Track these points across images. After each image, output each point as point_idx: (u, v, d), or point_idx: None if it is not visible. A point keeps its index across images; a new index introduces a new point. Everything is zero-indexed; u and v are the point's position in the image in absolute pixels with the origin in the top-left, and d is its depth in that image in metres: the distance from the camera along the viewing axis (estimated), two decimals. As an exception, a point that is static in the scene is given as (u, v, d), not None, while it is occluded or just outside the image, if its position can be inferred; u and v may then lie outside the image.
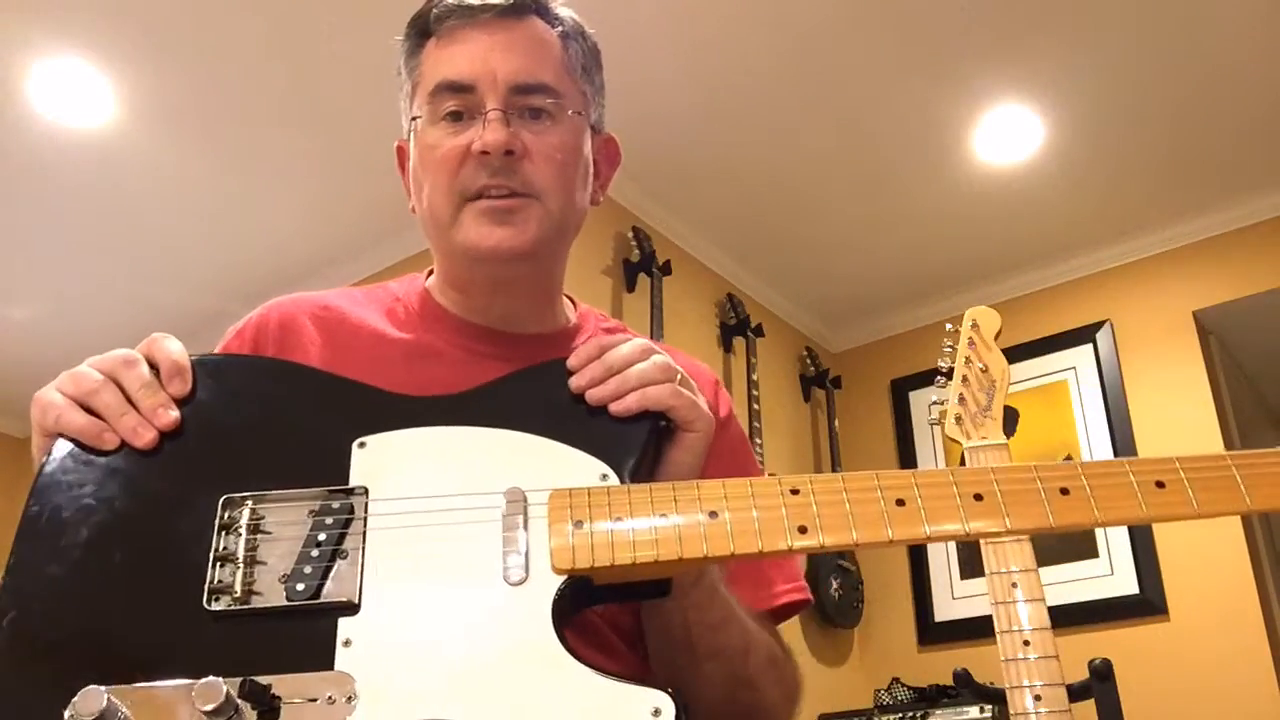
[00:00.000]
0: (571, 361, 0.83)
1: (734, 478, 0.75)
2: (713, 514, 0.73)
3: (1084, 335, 3.65)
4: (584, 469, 0.76)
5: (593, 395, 0.81)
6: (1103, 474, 0.73)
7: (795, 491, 0.73)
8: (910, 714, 3.10)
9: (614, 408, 0.80)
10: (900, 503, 0.72)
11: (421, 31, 1.00)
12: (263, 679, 0.66)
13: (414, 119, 0.99)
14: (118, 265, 3.48)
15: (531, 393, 0.83)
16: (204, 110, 2.86)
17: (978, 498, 0.72)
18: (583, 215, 1.02)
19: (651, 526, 0.72)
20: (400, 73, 1.02)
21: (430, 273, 1.08)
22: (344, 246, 3.44)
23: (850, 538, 0.71)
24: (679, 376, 0.83)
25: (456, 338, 1.01)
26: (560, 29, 1.00)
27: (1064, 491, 0.72)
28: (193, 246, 3.45)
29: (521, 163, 0.94)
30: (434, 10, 0.98)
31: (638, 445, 0.79)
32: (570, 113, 0.98)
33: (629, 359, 0.82)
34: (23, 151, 2.92)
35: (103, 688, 0.65)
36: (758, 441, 3.35)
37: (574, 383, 0.81)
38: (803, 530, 0.72)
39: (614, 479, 0.76)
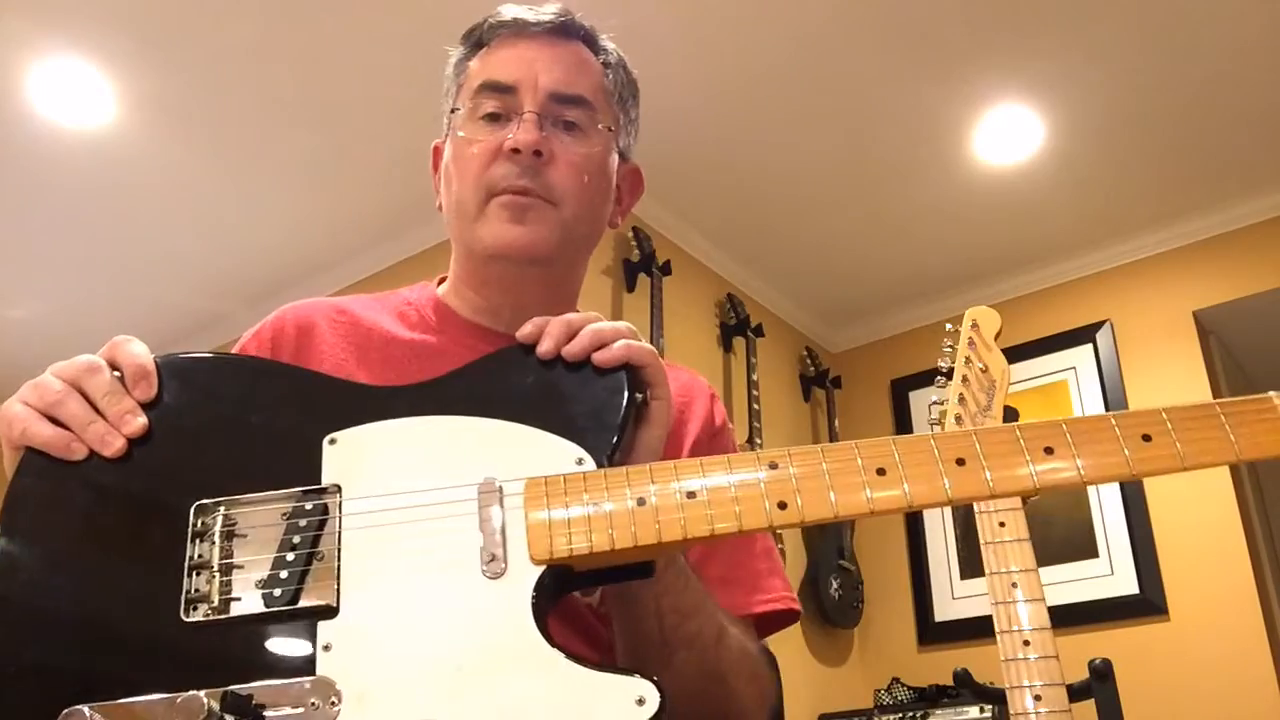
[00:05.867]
0: (525, 331, 0.82)
1: (711, 456, 0.74)
2: (690, 495, 0.71)
3: (1084, 335, 3.65)
4: (559, 454, 0.75)
5: (570, 350, 0.79)
6: (1088, 430, 0.71)
7: (774, 466, 0.72)
8: (910, 714, 3.10)
9: (599, 357, 0.79)
10: (881, 471, 0.71)
11: (475, 43, 1.06)
12: (244, 689, 0.65)
13: (453, 111, 1.03)
14: (117, 265, 3.48)
15: (502, 377, 0.81)
16: (204, 111, 2.86)
17: (960, 462, 0.70)
18: (600, 231, 1.07)
19: (629, 511, 0.71)
20: (448, 79, 1.08)
21: (442, 280, 1.11)
22: (343, 247, 3.44)
23: (831, 511, 0.70)
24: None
25: (466, 339, 1.02)
26: (604, 57, 1.06)
27: (1048, 450, 0.70)
28: (192, 247, 3.45)
29: (548, 167, 0.98)
30: (489, 22, 1.05)
31: (614, 426, 0.77)
32: (601, 128, 1.02)
33: (590, 318, 0.82)
34: (23, 152, 2.92)
35: (86, 707, 0.65)
36: (758, 441, 3.35)
37: (541, 348, 0.80)
38: (782, 506, 0.70)
39: (590, 463, 0.74)
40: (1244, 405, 0.71)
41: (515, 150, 0.96)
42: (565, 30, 1.04)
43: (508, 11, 1.04)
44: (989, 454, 0.71)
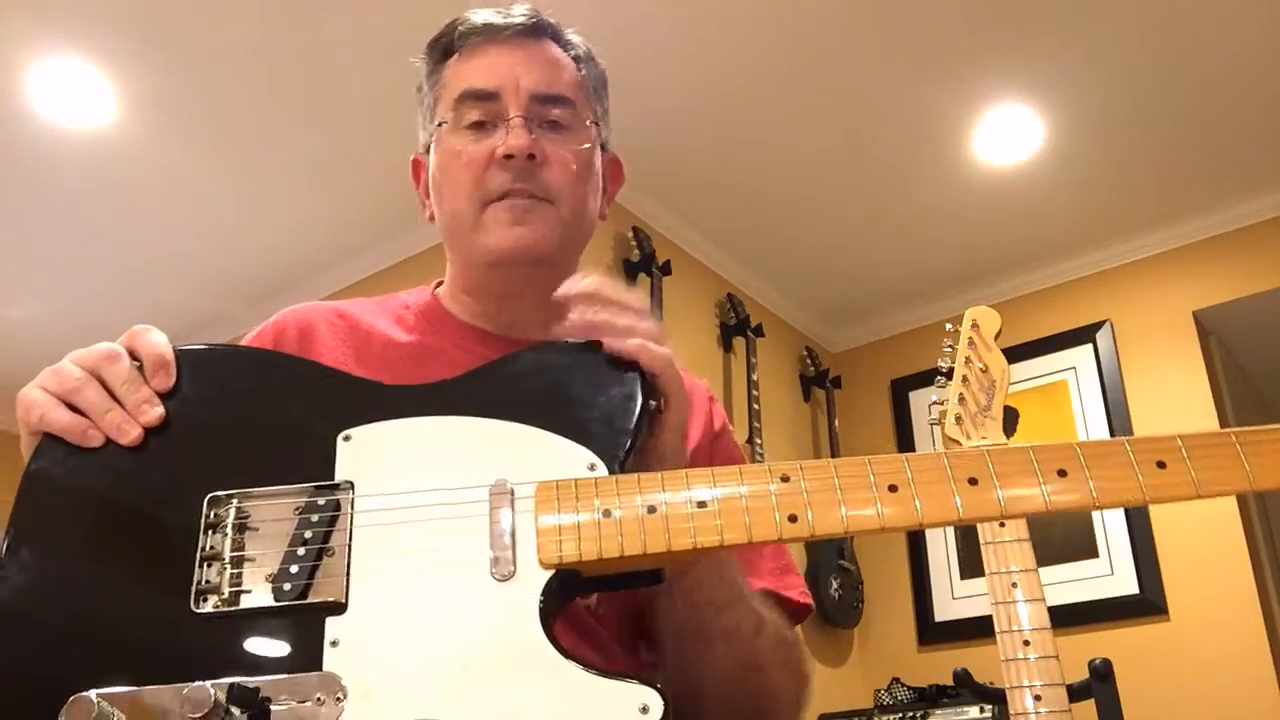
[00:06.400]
0: (569, 287, 0.84)
1: (723, 466, 0.74)
2: (701, 504, 0.71)
3: (1084, 335, 3.65)
4: (571, 458, 0.75)
5: (597, 314, 0.81)
6: (1101, 455, 0.70)
7: (785, 479, 0.72)
8: (910, 714, 3.10)
9: (610, 344, 0.80)
10: (893, 488, 0.71)
11: (444, 51, 1.06)
12: (251, 681, 0.66)
13: (439, 125, 1.03)
14: (117, 265, 3.48)
15: (517, 380, 0.81)
16: (204, 111, 2.86)
17: (973, 481, 0.70)
18: (592, 226, 1.07)
19: (639, 518, 0.71)
20: (421, 89, 1.08)
21: (439, 283, 1.11)
22: (344, 247, 3.44)
23: (841, 526, 0.70)
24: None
25: (462, 341, 1.03)
26: (574, 52, 1.07)
27: (1061, 474, 0.70)
28: (192, 247, 3.45)
29: (541, 168, 0.98)
30: (458, 29, 1.04)
31: (627, 432, 0.77)
32: (588, 124, 1.03)
33: (632, 305, 0.84)
34: (22, 152, 2.92)
35: (93, 694, 0.65)
36: (758, 441, 3.35)
37: (586, 287, 0.83)
38: (793, 519, 0.70)
39: (602, 468, 0.74)
40: (1260, 435, 0.71)
41: (508, 156, 0.96)
42: (536, 30, 1.04)
43: (476, 17, 1.04)
44: (1002, 474, 0.70)
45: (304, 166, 3.12)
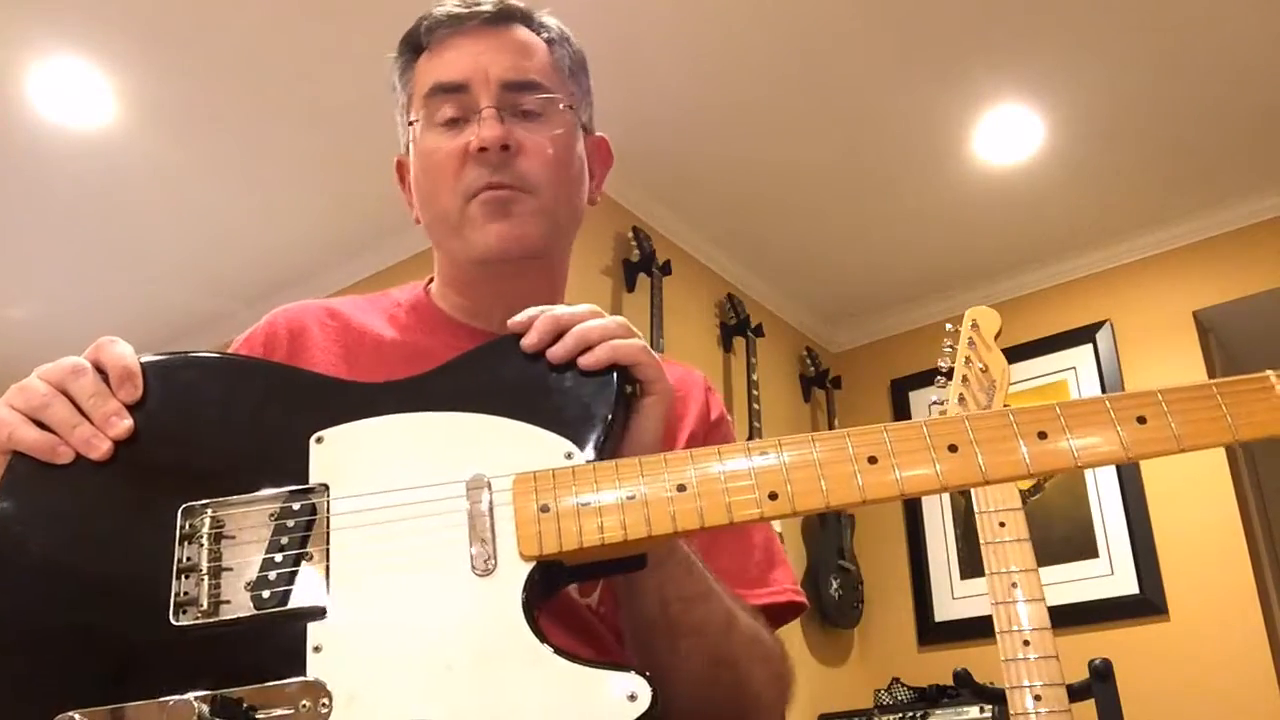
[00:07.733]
0: (515, 319, 0.81)
1: (702, 447, 0.73)
2: (680, 487, 0.71)
3: (1084, 335, 3.66)
4: (547, 448, 0.74)
5: (554, 353, 0.78)
6: (1082, 413, 0.70)
7: (764, 455, 0.71)
8: (910, 714, 3.10)
9: (584, 360, 0.78)
10: (873, 460, 0.70)
11: (413, 48, 1.04)
12: (234, 692, 0.65)
13: (411, 124, 1.01)
14: (117, 265, 3.48)
15: (490, 371, 0.80)
16: (204, 110, 2.86)
17: (953, 448, 0.70)
18: (580, 214, 1.05)
19: (619, 505, 0.70)
20: (395, 89, 1.06)
21: (430, 280, 1.10)
22: (344, 246, 3.44)
23: (822, 501, 0.69)
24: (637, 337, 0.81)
25: (455, 340, 1.01)
26: (545, 34, 1.04)
27: (1042, 435, 0.69)
28: (192, 247, 3.45)
29: (518, 158, 0.96)
30: (424, 25, 1.02)
31: (603, 418, 0.76)
32: (562, 108, 1.00)
33: (580, 316, 0.80)
34: (22, 152, 2.92)
35: (76, 713, 0.65)
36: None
37: (525, 341, 0.79)
38: (774, 496, 0.70)
39: (579, 456, 0.73)
40: (1241, 384, 0.70)
41: (482, 149, 0.94)
42: (503, 16, 1.01)
43: (441, 10, 1.02)
44: (981, 439, 0.70)
45: (304, 167, 3.12)
